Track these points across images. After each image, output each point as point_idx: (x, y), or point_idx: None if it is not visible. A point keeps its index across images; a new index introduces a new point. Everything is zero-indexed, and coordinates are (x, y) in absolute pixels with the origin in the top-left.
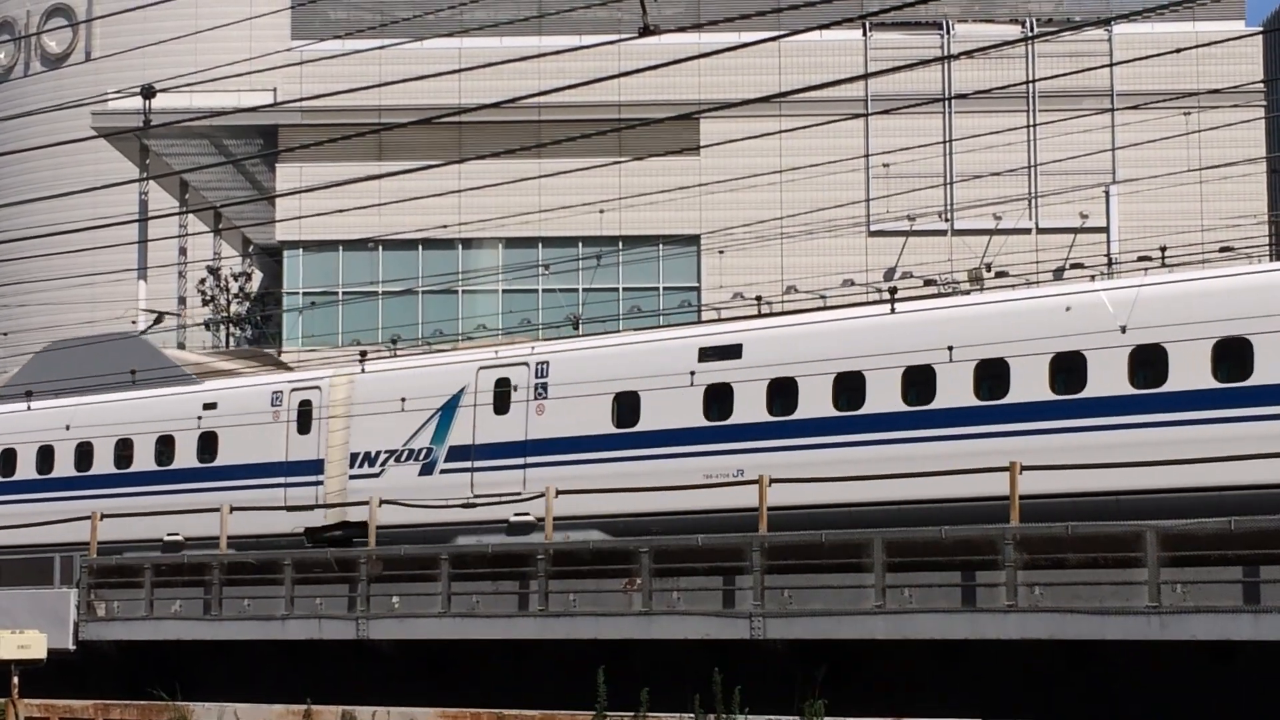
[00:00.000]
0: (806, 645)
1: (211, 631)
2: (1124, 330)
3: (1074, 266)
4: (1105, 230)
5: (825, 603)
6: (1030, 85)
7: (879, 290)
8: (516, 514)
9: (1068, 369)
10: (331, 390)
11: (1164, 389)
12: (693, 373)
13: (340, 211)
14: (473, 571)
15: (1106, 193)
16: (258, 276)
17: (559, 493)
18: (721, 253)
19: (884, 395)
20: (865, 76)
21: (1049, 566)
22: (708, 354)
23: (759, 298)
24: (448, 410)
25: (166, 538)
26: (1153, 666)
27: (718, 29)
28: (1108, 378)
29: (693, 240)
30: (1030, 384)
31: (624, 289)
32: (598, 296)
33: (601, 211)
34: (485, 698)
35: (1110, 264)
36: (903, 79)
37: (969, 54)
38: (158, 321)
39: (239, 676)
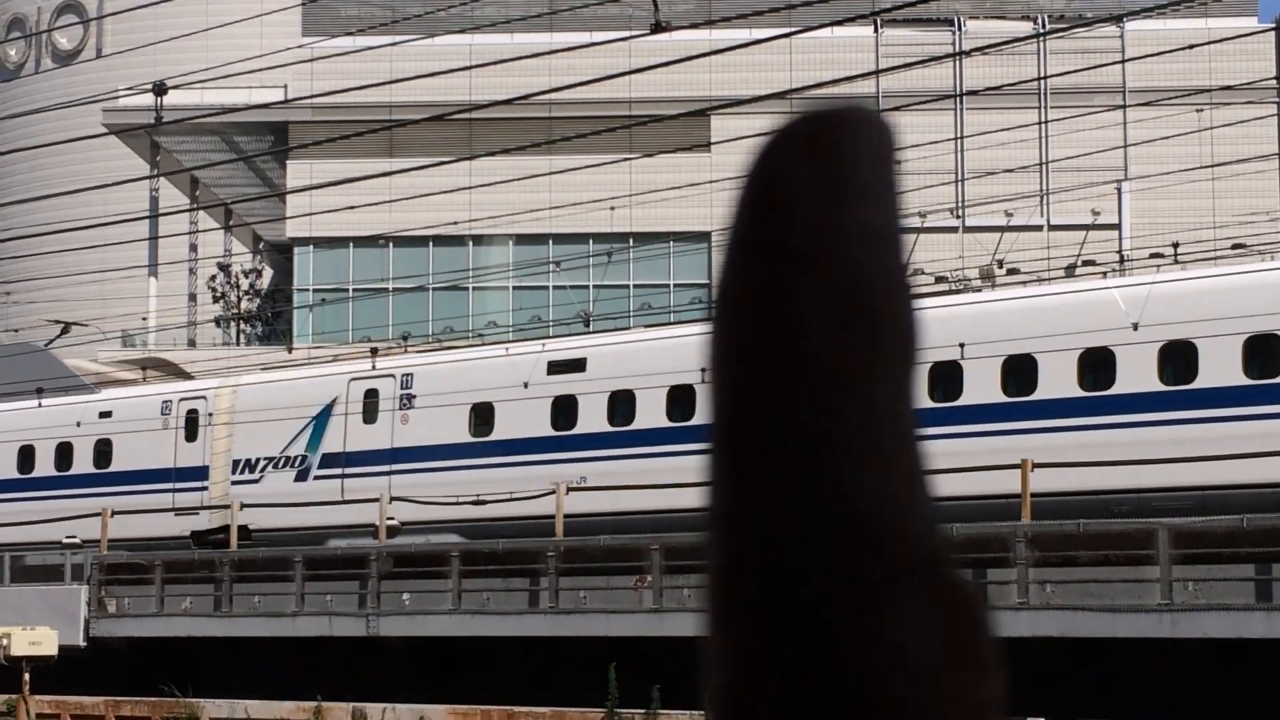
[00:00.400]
0: None
1: (222, 628)
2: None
3: (1086, 263)
4: (1117, 227)
5: None
6: (1042, 82)
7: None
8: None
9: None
10: (216, 400)
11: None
12: (541, 385)
13: (351, 208)
14: (483, 569)
15: (1118, 189)
16: (268, 273)
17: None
18: None
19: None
20: (876, 73)
21: (1060, 564)
22: (555, 367)
23: None
24: (321, 419)
25: (65, 539)
26: (1164, 664)
27: (729, 26)
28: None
29: (704, 237)
30: None
31: (635, 286)
32: (608, 293)
33: (612, 208)
34: (496, 695)
35: (1122, 261)
36: (914, 75)
37: (980, 50)
38: (64, 332)
39: (249, 673)
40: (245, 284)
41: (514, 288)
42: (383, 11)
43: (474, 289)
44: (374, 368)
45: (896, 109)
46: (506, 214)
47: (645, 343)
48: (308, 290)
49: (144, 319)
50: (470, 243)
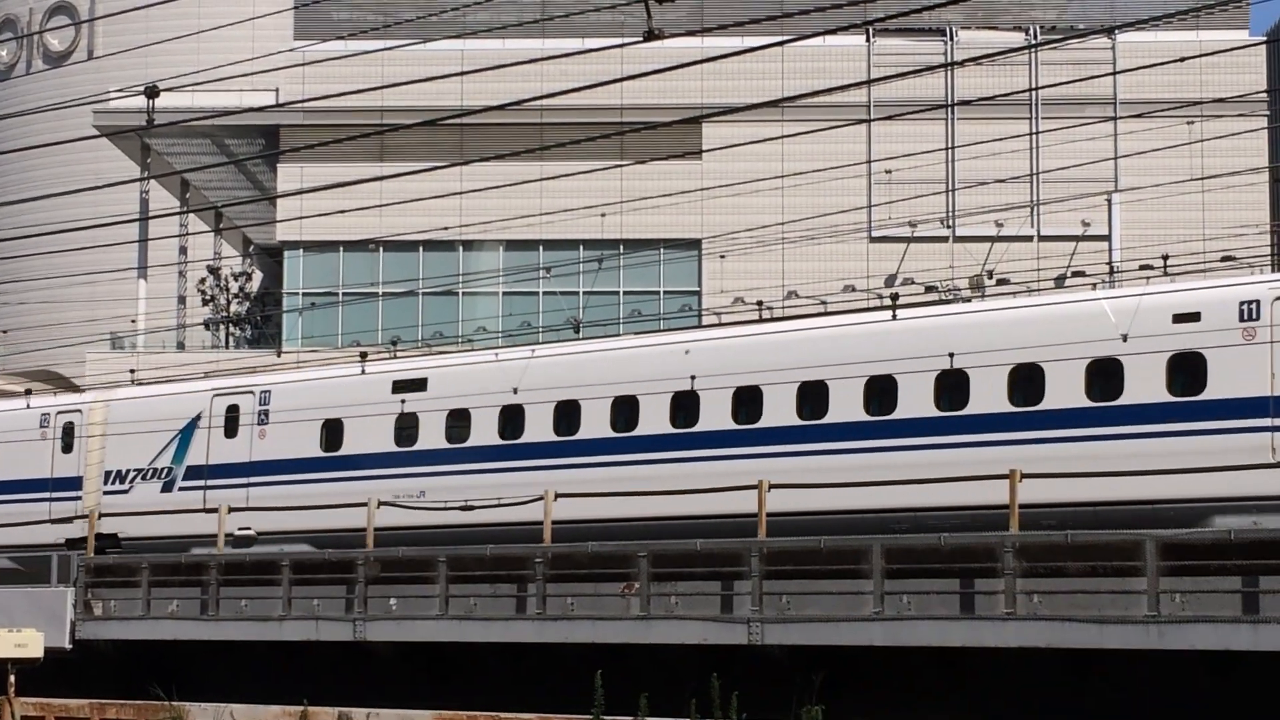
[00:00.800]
0: (804, 651)
1: (208, 631)
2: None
3: (1075, 274)
4: (1107, 238)
5: (823, 609)
6: (1033, 92)
7: (880, 296)
8: (241, 528)
9: (686, 405)
10: (90, 413)
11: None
12: (386, 403)
13: (341, 212)
14: (471, 574)
15: (1109, 201)
16: (258, 277)
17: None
18: (723, 257)
19: (541, 426)
20: (868, 82)
21: (1048, 575)
22: (400, 386)
23: (760, 302)
24: (187, 433)
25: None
26: (1152, 676)
27: (722, 34)
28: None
29: (694, 244)
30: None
31: (625, 292)
32: (598, 300)
33: (603, 215)
34: (482, 700)
35: (1112, 272)
36: (906, 85)
37: (972, 61)
38: None
39: (236, 677)
40: (235, 287)
41: (504, 293)
42: (375, 16)
43: (464, 294)
44: (364, 372)
45: (888, 118)
46: (497, 219)
47: (480, 365)
48: (297, 294)
49: (133, 321)
50: (460, 248)
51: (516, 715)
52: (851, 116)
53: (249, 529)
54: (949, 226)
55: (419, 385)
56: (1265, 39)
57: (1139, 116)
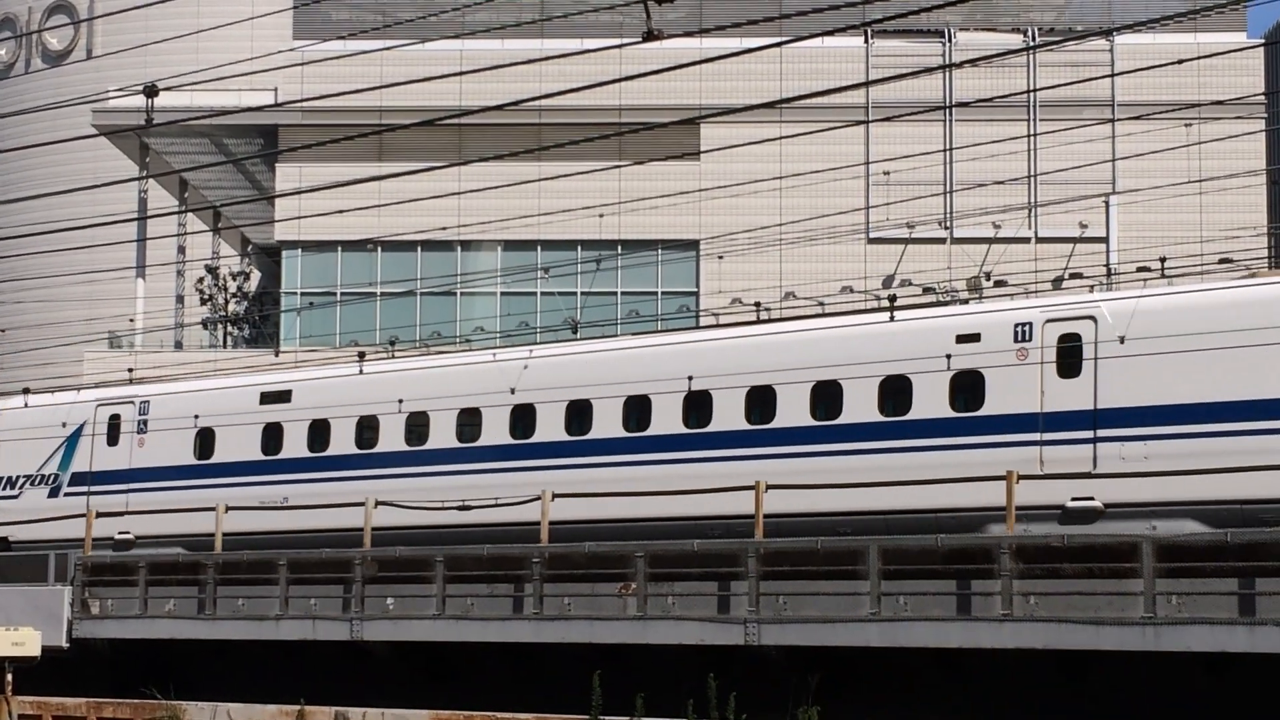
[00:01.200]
0: (801, 652)
1: (205, 631)
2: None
3: (1073, 276)
4: (1105, 240)
5: (820, 609)
6: (1031, 94)
7: (878, 297)
8: (120, 532)
9: (580, 412)
10: None
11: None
12: (254, 413)
13: (340, 212)
14: (468, 574)
15: (1106, 203)
16: (256, 276)
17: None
18: (721, 258)
19: (393, 437)
20: (867, 84)
21: (1044, 576)
22: (267, 398)
23: (758, 303)
24: (73, 441)
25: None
26: (1148, 678)
27: (720, 34)
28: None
29: (692, 245)
30: (494, 429)
31: (622, 293)
32: (596, 300)
33: (601, 215)
34: (479, 700)
35: (1109, 274)
36: (904, 87)
37: (970, 62)
38: None
39: (233, 676)
40: (233, 287)
41: (502, 293)
42: (374, 16)
43: (462, 294)
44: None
45: (886, 119)
46: (495, 219)
47: (339, 379)
48: (295, 294)
49: (131, 320)
50: (459, 248)
51: (513, 715)
52: (850, 118)
53: (128, 533)
54: (947, 228)
55: (284, 397)
56: (1263, 41)
57: (1137, 118)
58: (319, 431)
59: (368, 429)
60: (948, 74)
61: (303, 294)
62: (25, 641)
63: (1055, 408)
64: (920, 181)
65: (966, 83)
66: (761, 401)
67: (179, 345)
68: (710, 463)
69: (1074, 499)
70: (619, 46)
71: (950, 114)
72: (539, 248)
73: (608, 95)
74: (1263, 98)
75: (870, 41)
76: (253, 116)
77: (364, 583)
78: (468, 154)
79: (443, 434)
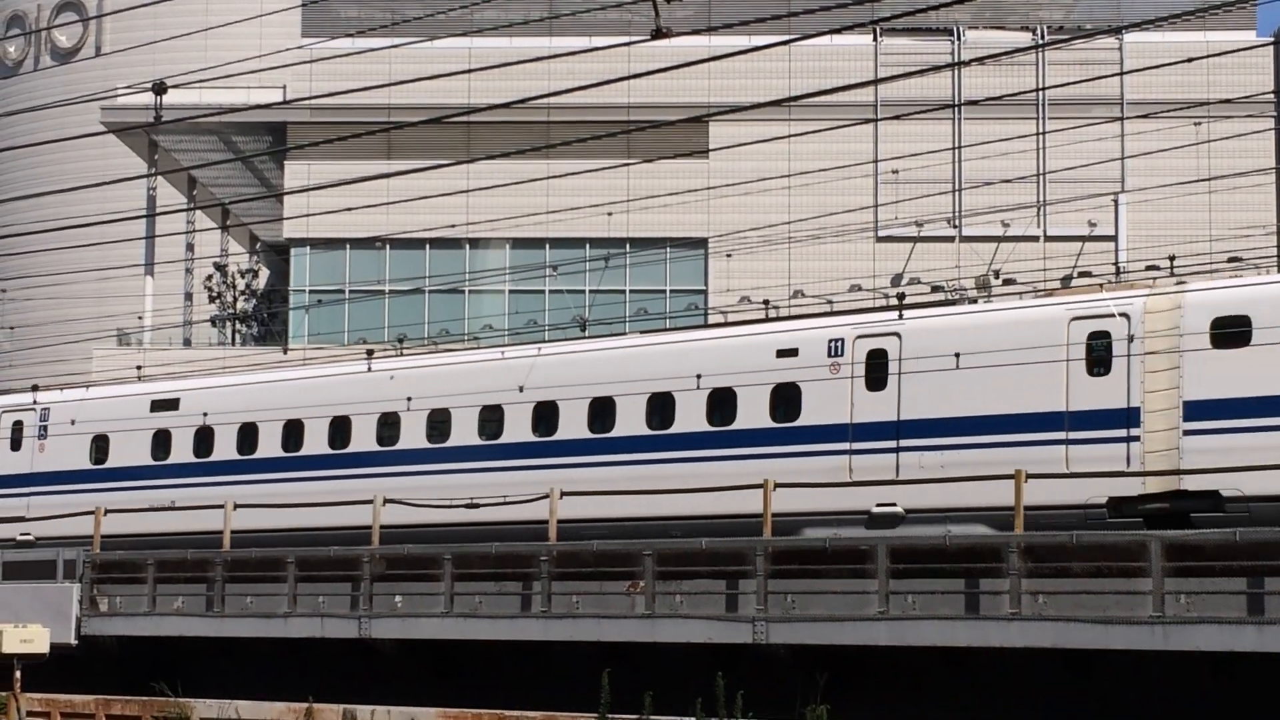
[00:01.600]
0: (809, 650)
1: (213, 628)
2: None
3: (1082, 275)
4: (1114, 239)
5: (828, 608)
6: (1040, 92)
7: (886, 296)
8: (21, 534)
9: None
10: None
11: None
12: (145, 420)
13: (348, 210)
14: (476, 572)
15: (1115, 201)
16: (265, 274)
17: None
18: (729, 256)
19: (272, 442)
20: (875, 82)
21: (1053, 575)
22: (157, 405)
23: (766, 302)
24: None
25: None
26: (1156, 677)
27: (729, 32)
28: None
29: (700, 243)
30: (316, 441)
31: (631, 291)
32: (605, 298)
33: (609, 213)
34: (487, 698)
35: (1118, 273)
36: (913, 85)
37: (979, 60)
38: None
39: (241, 673)
40: (241, 284)
41: (510, 291)
42: (382, 13)
43: (470, 292)
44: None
45: (895, 118)
46: (504, 217)
47: (221, 389)
48: (304, 291)
49: (140, 318)
50: (467, 246)
51: (521, 713)
52: (858, 116)
53: (29, 535)
54: (955, 226)
55: (173, 404)
56: (1272, 39)
57: (1146, 117)
58: (204, 438)
59: (248, 435)
60: (956, 72)
61: (311, 291)
62: (34, 639)
63: (864, 419)
64: (929, 180)
65: (975, 81)
66: (601, 411)
67: (188, 343)
68: (554, 469)
69: (879, 505)
70: (627, 45)
71: (959, 112)
72: (547, 246)
73: (616, 93)
74: (1272, 96)
75: (879, 40)
76: (261, 114)
77: (372, 581)
78: (476, 152)
79: (316, 441)
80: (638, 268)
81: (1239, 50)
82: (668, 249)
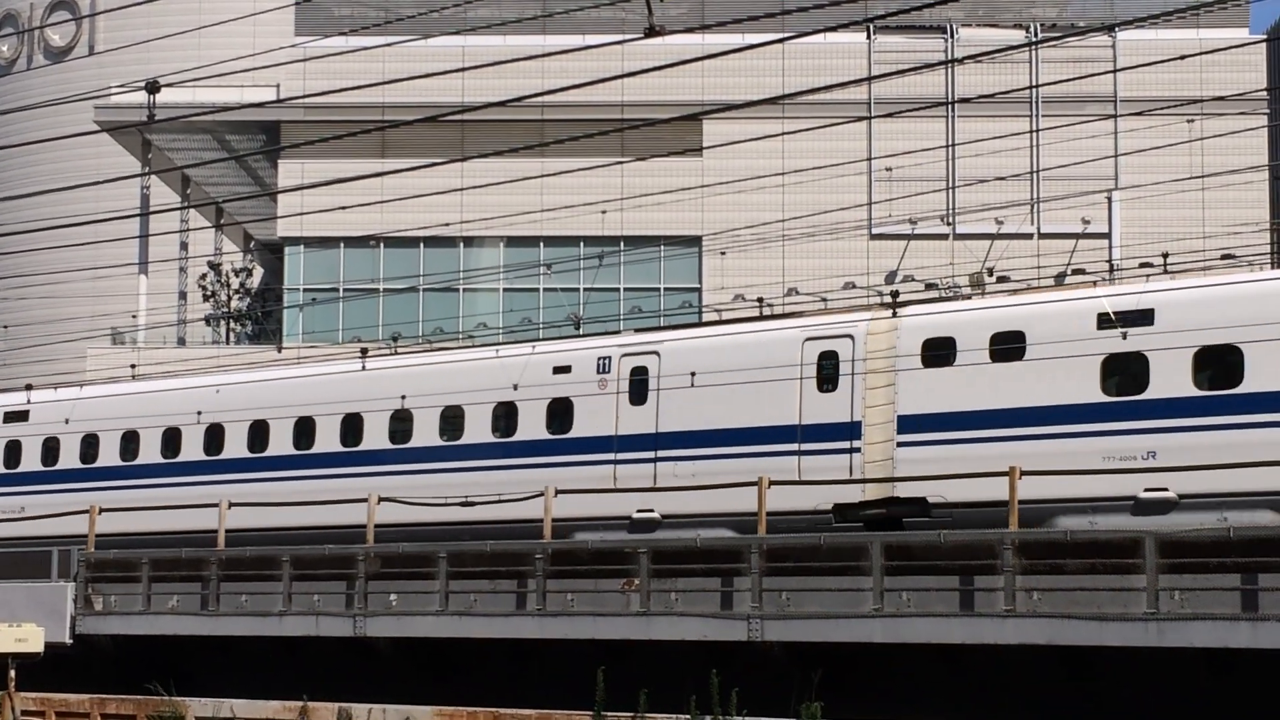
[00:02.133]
0: (804, 648)
1: (209, 627)
2: None
3: (1075, 272)
4: (1107, 236)
5: (823, 605)
6: (1033, 90)
7: (880, 294)
8: None
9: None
10: None
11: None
12: None
13: (342, 208)
14: (471, 570)
15: (1109, 198)
16: (259, 272)
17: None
18: (723, 254)
19: (111, 452)
20: (869, 80)
21: (1047, 572)
22: (8, 417)
23: (760, 299)
24: None
25: None
26: (1151, 674)
27: (722, 30)
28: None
29: (694, 241)
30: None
31: (625, 289)
32: (599, 296)
33: (604, 212)
34: (482, 696)
35: (1112, 270)
36: (906, 82)
37: (973, 58)
38: None
39: (236, 672)
40: (236, 283)
41: (504, 290)
42: (376, 12)
43: (464, 291)
44: (364, 368)
45: (888, 115)
46: (498, 216)
47: (69, 401)
48: (298, 290)
49: (134, 316)
50: (461, 244)
51: (516, 711)
52: (852, 114)
53: None
54: (949, 224)
55: (23, 416)
56: (1265, 37)
57: (1139, 114)
58: (50, 449)
59: (89, 445)
60: (950, 70)
61: (305, 290)
62: (28, 638)
63: (628, 431)
64: (922, 177)
65: (969, 79)
66: (399, 424)
67: (182, 342)
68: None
69: (639, 510)
70: (621, 43)
71: (952, 110)
72: (541, 244)
73: (610, 91)
74: (1265, 93)
75: (872, 37)
76: (255, 112)
77: (367, 579)
78: (470, 150)
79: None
80: (632, 266)
81: (1232, 48)
82: (662, 247)
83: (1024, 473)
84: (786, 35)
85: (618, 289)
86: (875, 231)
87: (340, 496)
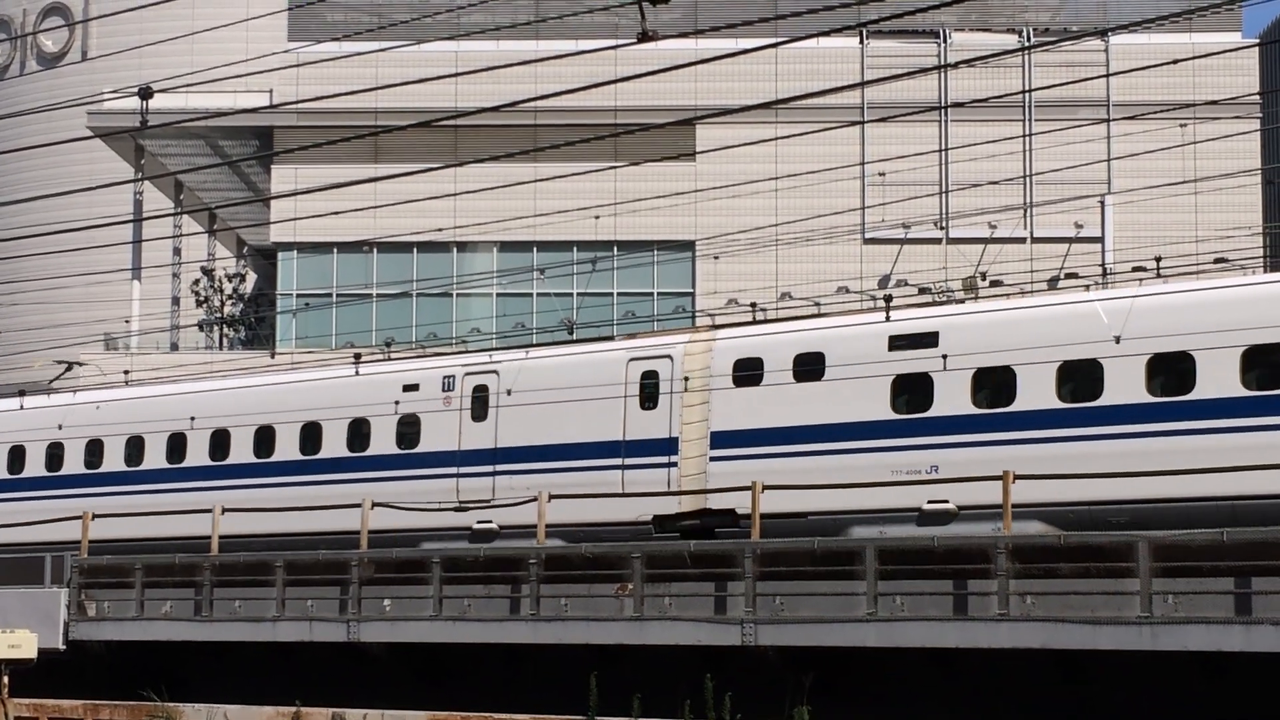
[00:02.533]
0: (798, 652)
1: (202, 632)
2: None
3: (1069, 276)
4: (1100, 240)
5: (817, 610)
6: (1026, 95)
7: (874, 298)
8: None
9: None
10: None
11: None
12: None
13: (335, 213)
14: (464, 575)
15: (1102, 203)
16: (252, 278)
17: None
18: (716, 259)
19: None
20: (862, 84)
21: (1041, 576)
22: None
23: (754, 304)
24: None
25: None
26: (1145, 677)
27: (716, 35)
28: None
29: (688, 246)
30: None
31: (618, 294)
32: (592, 301)
33: (597, 216)
34: (476, 701)
35: (1105, 274)
36: (899, 87)
37: (966, 63)
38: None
39: (229, 678)
40: (229, 288)
41: (498, 295)
42: (369, 17)
43: (458, 295)
44: (357, 373)
45: (882, 120)
46: (491, 221)
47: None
48: (291, 295)
49: (127, 322)
50: (455, 249)
51: (510, 716)
52: (845, 118)
53: None
54: (942, 228)
55: None
56: (1258, 41)
57: (1132, 119)
58: (15, 456)
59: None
60: (943, 74)
61: (299, 295)
62: (21, 644)
63: (470, 446)
64: (916, 182)
65: (962, 83)
66: (267, 438)
67: (175, 347)
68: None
69: (479, 522)
70: (614, 48)
71: (945, 114)
72: (535, 249)
73: (603, 96)
74: (1257, 98)
75: (865, 42)
76: (248, 118)
77: (361, 584)
78: (463, 155)
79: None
80: (625, 270)
81: (1225, 52)
82: (655, 251)
83: (815, 486)
84: (780, 40)
85: (611, 294)
86: (868, 236)
87: (208, 506)
